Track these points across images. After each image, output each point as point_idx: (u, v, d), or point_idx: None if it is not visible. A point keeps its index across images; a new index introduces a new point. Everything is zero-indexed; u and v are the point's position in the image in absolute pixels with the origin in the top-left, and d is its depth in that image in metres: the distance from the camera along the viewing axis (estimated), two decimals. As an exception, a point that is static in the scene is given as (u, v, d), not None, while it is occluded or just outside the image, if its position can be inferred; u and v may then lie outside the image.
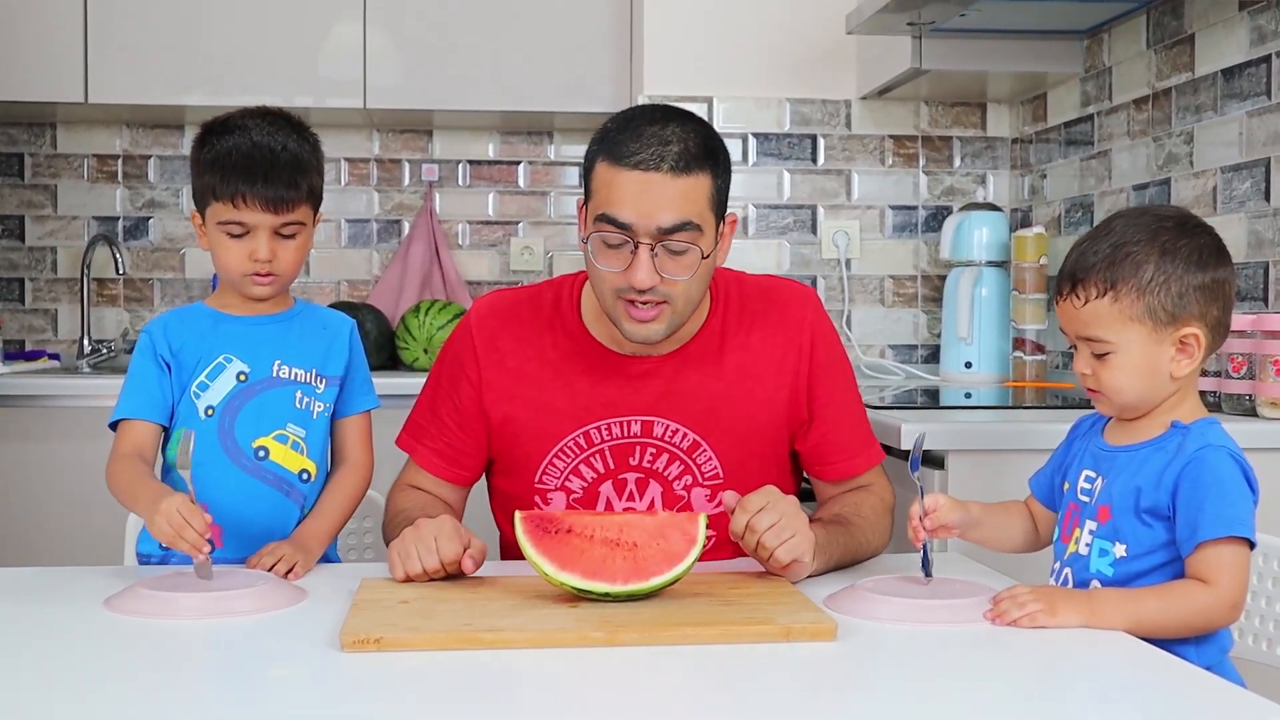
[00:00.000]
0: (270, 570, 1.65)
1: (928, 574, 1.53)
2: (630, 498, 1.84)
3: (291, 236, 1.79)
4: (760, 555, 1.58)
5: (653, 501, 1.85)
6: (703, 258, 1.72)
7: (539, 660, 1.31)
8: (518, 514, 1.51)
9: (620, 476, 1.84)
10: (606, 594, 1.46)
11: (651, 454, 1.84)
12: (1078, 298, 1.50)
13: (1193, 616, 1.42)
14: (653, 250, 1.70)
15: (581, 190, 1.82)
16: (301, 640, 1.40)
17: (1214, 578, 1.41)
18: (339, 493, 1.84)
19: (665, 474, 1.84)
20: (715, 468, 1.84)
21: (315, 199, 1.83)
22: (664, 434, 1.83)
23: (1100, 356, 1.50)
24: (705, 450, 1.84)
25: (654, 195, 1.69)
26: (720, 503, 1.81)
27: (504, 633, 1.36)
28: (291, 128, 1.82)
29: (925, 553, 1.55)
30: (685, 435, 1.83)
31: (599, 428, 1.84)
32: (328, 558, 1.87)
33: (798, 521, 1.58)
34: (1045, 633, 1.39)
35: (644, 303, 1.73)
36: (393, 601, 1.48)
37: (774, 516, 1.57)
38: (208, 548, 1.55)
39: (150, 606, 1.48)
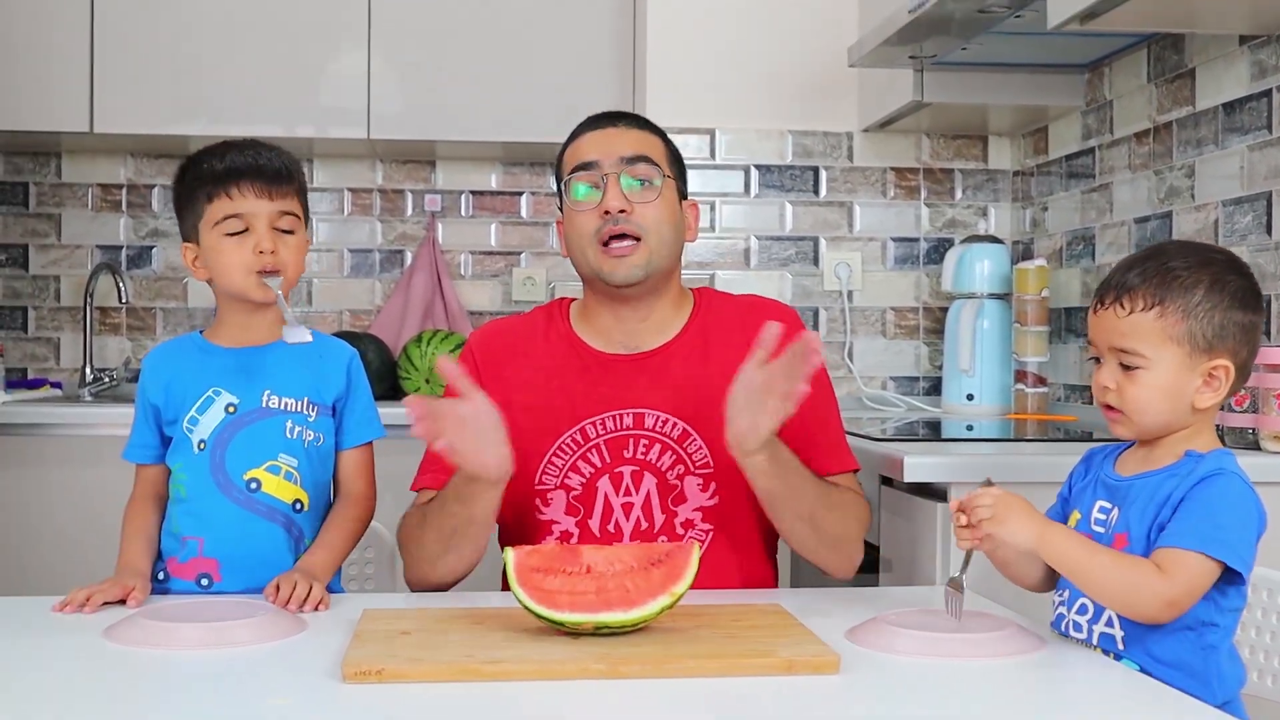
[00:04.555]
0: (289, 599, 1.64)
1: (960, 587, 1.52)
2: (627, 491, 1.89)
3: (289, 232, 1.81)
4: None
5: (648, 494, 1.88)
6: (664, 177, 1.91)
7: (540, 692, 1.31)
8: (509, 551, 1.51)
9: (616, 470, 1.89)
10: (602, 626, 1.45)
11: (644, 445, 1.89)
12: (1122, 307, 1.51)
13: (1131, 592, 1.41)
14: (620, 182, 1.88)
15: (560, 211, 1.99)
16: (303, 671, 1.39)
17: (1171, 572, 1.41)
18: (340, 526, 1.84)
19: (658, 464, 1.89)
20: (706, 456, 1.89)
21: (305, 200, 1.86)
22: (655, 425, 1.89)
23: (1128, 371, 1.51)
24: (695, 439, 1.89)
25: (613, 138, 1.93)
26: (715, 492, 1.88)
27: (505, 664, 1.35)
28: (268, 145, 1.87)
29: (966, 562, 1.54)
30: (675, 425, 1.89)
31: (593, 423, 1.90)
32: (330, 588, 1.87)
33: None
34: (1057, 671, 1.38)
35: (619, 235, 1.87)
36: (394, 633, 1.47)
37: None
38: (71, 609, 1.63)
39: (150, 637, 1.47)
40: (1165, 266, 1.51)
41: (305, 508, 1.82)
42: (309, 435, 1.83)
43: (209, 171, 1.80)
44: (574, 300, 2.03)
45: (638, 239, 1.87)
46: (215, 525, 1.77)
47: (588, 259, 1.90)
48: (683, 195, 1.97)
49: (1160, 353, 1.49)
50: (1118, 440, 1.60)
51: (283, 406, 1.81)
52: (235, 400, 1.80)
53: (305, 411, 1.82)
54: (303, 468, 1.82)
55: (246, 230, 1.78)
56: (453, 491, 1.79)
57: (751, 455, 1.72)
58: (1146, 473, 1.52)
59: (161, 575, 1.80)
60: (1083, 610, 1.53)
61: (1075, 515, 1.58)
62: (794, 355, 1.63)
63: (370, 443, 1.90)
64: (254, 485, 1.79)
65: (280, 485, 1.80)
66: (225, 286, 1.82)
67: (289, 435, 1.81)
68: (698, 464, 1.89)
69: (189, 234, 1.83)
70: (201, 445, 1.79)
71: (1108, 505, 1.54)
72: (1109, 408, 1.54)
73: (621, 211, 1.87)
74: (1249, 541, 1.44)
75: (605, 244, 1.87)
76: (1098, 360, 1.55)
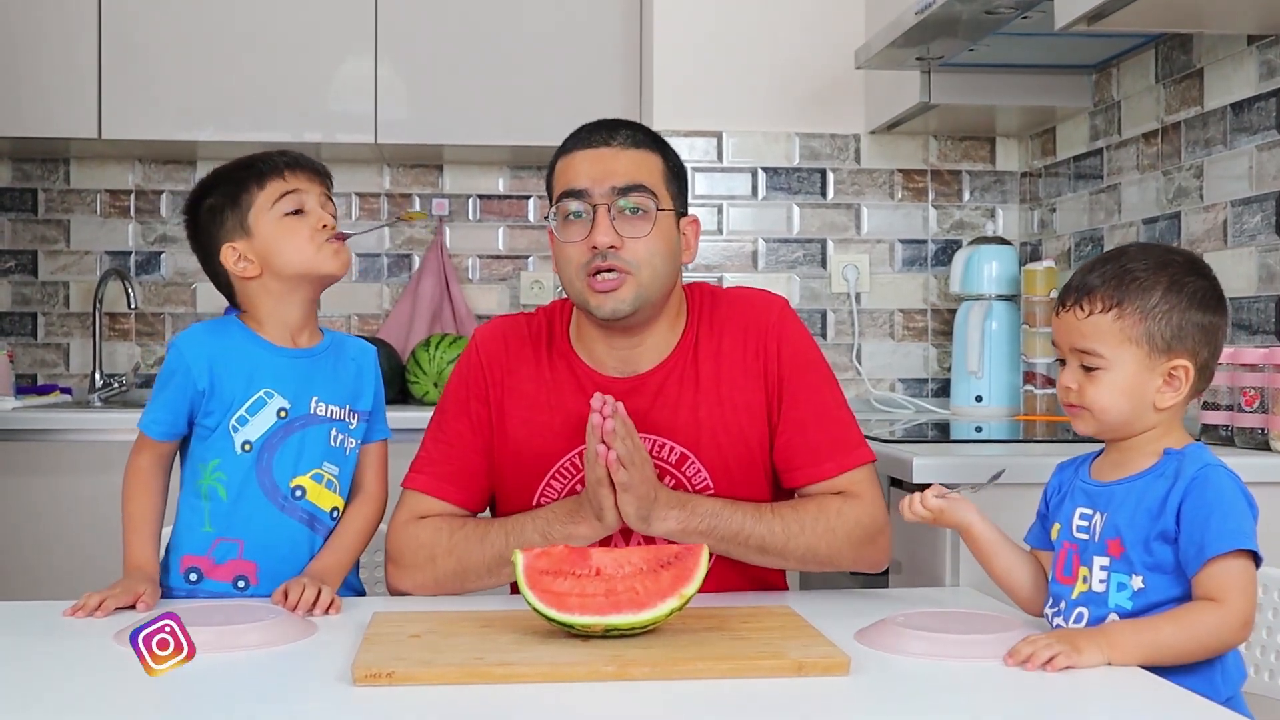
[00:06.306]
0: (299, 602, 1.64)
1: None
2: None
3: (334, 216, 1.84)
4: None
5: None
6: (658, 210, 1.81)
7: (550, 694, 1.31)
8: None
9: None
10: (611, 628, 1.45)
11: None
12: (1081, 309, 1.52)
13: (1207, 638, 1.42)
14: (610, 213, 1.79)
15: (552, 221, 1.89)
16: (313, 674, 1.40)
17: (1223, 595, 1.41)
18: (354, 526, 1.84)
19: None
20: (705, 478, 1.85)
21: None
22: (653, 449, 1.84)
23: (1089, 372, 1.52)
24: (693, 462, 1.85)
25: (607, 162, 1.82)
26: None
27: (515, 667, 1.35)
28: None
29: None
30: (673, 449, 1.85)
31: None
32: (355, 589, 1.88)
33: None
34: (1064, 671, 1.37)
35: (607, 270, 1.78)
36: (404, 635, 1.47)
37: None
38: (83, 614, 1.63)
39: (161, 640, 1.47)
40: (1124, 268, 1.52)
41: (341, 514, 1.84)
42: (350, 443, 1.84)
43: (256, 165, 1.80)
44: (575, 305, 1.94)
45: (628, 274, 1.80)
46: (256, 529, 1.77)
47: (575, 289, 1.83)
48: (682, 213, 1.88)
49: (1119, 353, 1.50)
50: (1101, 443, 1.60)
51: (329, 414, 1.82)
52: (287, 405, 1.79)
53: (347, 419, 1.84)
54: (342, 475, 1.83)
55: (302, 212, 1.79)
56: (553, 519, 1.79)
57: (648, 530, 1.75)
58: (1129, 477, 1.52)
59: (194, 576, 1.79)
60: (1079, 620, 1.53)
61: (1057, 528, 1.59)
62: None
63: (385, 440, 1.91)
64: (299, 493, 1.79)
65: (322, 493, 1.81)
66: (295, 266, 1.79)
67: (333, 443, 1.82)
68: (696, 486, 1.86)
69: (231, 234, 1.79)
70: (247, 446, 1.77)
71: (1088, 512, 1.54)
72: (1071, 405, 1.55)
73: (611, 247, 1.79)
74: (1254, 527, 1.45)
75: (593, 275, 1.80)
76: (1063, 362, 1.56)
